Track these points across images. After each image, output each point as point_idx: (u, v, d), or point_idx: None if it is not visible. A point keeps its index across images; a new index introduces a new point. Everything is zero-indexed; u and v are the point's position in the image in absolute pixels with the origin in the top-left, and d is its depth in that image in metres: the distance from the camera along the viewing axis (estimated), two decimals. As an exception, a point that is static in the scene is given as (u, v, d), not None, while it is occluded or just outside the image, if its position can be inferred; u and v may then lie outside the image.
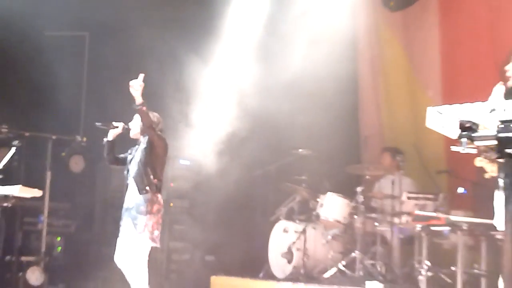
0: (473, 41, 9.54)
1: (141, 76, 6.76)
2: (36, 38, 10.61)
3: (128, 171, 7.14)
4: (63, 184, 10.55)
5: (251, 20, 10.21)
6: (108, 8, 9.92)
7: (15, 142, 8.08)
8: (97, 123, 7.42)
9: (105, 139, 7.39)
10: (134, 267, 6.93)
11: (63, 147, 10.66)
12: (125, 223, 6.98)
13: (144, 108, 6.76)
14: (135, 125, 7.21)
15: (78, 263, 10.75)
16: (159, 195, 6.98)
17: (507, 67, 4.78)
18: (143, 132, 7.11)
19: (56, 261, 10.67)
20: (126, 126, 7.30)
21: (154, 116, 7.14)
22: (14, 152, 7.95)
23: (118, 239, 7.15)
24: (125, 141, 7.52)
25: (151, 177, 6.90)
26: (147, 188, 6.85)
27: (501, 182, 2.72)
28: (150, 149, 6.96)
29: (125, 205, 7.09)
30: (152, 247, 6.95)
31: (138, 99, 6.76)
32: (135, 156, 7.07)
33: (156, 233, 6.89)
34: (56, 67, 10.74)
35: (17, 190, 7.38)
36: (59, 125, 10.59)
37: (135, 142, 7.39)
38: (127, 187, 7.16)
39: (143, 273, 6.91)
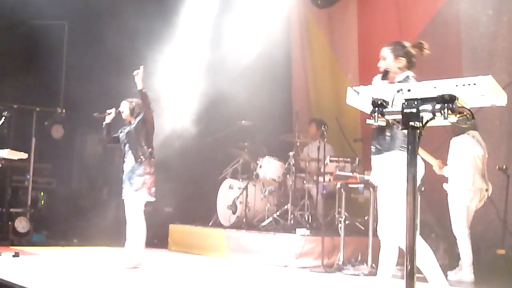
0: (384, 34, 9.62)
1: (142, 67, 6.95)
2: (23, 26, 10.32)
3: (124, 145, 7.11)
4: (46, 148, 10.36)
5: (203, 16, 10.13)
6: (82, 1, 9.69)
7: (5, 113, 7.89)
8: (94, 114, 7.38)
9: (104, 123, 7.32)
10: (134, 220, 6.98)
11: (46, 117, 10.45)
12: (126, 186, 7.01)
13: (145, 90, 6.92)
14: (125, 109, 7.16)
15: (58, 214, 10.60)
16: (152, 160, 7.01)
17: (379, 64, 4.80)
18: (133, 113, 7.13)
19: (40, 212, 10.52)
20: (117, 111, 7.25)
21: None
22: (4, 122, 7.76)
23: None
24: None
25: (145, 147, 6.93)
26: (142, 156, 6.87)
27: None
28: (143, 124, 6.97)
29: (125, 171, 7.06)
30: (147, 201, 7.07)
31: (140, 85, 6.89)
32: (128, 132, 7.03)
33: (153, 189, 6.98)
34: (39, 51, 10.50)
35: (6, 153, 7.24)
36: (42, 99, 10.35)
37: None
38: (124, 158, 7.14)
39: (141, 223, 7.00)
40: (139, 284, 5.67)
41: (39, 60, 10.53)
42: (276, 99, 10.15)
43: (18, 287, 4.97)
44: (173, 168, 10.31)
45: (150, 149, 6.99)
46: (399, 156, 4.39)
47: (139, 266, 6.83)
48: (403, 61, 4.69)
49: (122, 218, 11.18)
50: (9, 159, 7.43)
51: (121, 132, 7.21)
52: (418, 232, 3.93)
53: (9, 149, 7.30)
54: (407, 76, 4.63)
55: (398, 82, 4.55)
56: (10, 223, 9.64)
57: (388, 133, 4.50)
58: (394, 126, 3.78)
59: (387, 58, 4.76)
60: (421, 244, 4.45)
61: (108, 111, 7.27)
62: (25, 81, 10.40)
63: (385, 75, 4.65)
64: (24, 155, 7.57)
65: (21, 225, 9.66)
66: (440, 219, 7.85)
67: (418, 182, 3.56)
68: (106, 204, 11.27)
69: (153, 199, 7.05)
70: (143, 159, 6.86)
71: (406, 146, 3.75)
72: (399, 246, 4.61)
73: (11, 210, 9.91)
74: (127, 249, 6.93)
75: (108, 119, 7.28)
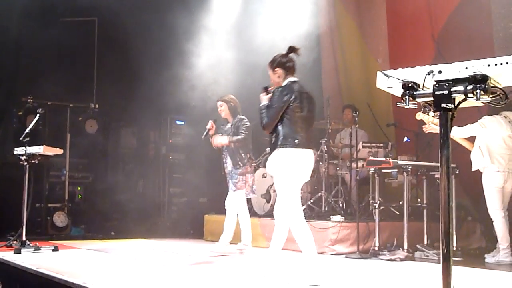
0: (414, 17, 9.51)
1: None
2: (54, 23, 10.45)
3: (223, 147, 7.41)
4: (81, 143, 10.50)
5: (232, 7, 10.15)
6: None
7: (39, 110, 8.01)
8: (202, 137, 7.48)
9: (206, 134, 7.45)
10: (240, 214, 7.48)
11: (79, 113, 10.59)
12: (230, 183, 7.41)
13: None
14: (225, 109, 7.43)
15: (95, 207, 10.75)
16: (252, 162, 7.47)
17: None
18: (233, 113, 7.42)
19: (77, 207, 10.68)
20: (214, 119, 7.48)
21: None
22: (39, 118, 7.87)
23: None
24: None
25: (242, 154, 7.28)
26: (239, 163, 7.24)
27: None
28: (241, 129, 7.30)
29: (227, 169, 7.45)
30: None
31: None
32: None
33: (254, 187, 7.47)
34: (71, 47, 10.62)
35: (42, 149, 7.34)
36: (75, 95, 10.49)
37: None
38: (224, 158, 7.46)
39: (247, 216, 7.49)
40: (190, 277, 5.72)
41: (71, 57, 10.65)
42: (307, 86, 10.10)
43: (58, 280, 5.05)
44: (205, 159, 10.36)
45: (248, 155, 7.34)
46: (280, 153, 5.15)
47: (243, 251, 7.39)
48: (279, 71, 5.40)
49: (156, 210, 11.36)
50: (46, 155, 7.53)
51: (220, 133, 7.44)
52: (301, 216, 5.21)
53: (45, 145, 7.41)
54: (289, 81, 5.35)
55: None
56: (48, 218, 9.82)
57: (273, 137, 5.25)
58: (277, 126, 5.18)
59: (270, 75, 5.49)
60: (301, 223, 5.18)
61: (207, 126, 7.39)
62: (58, 78, 10.54)
63: (265, 90, 5.47)
64: (59, 151, 7.68)
65: (60, 219, 9.83)
66: (476, 201, 7.76)
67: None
68: (141, 196, 11.41)
69: (255, 195, 7.74)
70: (241, 165, 7.21)
71: (285, 144, 5.10)
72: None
73: (49, 205, 10.09)
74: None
75: (211, 132, 7.41)
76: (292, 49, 5.46)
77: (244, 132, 7.27)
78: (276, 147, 5.17)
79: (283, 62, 5.41)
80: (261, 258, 5.56)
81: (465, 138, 6.93)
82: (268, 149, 9.70)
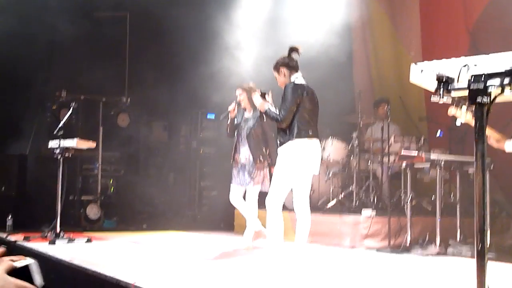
0: (448, 8, 9.38)
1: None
2: (86, 18, 10.56)
3: (242, 138, 7.27)
4: (113, 137, 10.62)
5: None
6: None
7: (73, 104, 8.10)
8: (221, 117, 7.46)
9: (228, 121, 7.32)
10: (253, 207, 7.37)
11: (112, 107, 10.69)
12: (245, 176, 7.21)
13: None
14: (244, 98, 7.24)
15: (127, 200, 10.85)
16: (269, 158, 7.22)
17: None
18: (252, 104, 7.13)
19: (110, 199, 10.79)
20: (237, 102, 7.28)
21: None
22: (72, 112, 7.97)
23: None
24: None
25: (263, 149, 7.18)
26: (261, 158, 7.12)
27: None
28: (262, 120, 7.15)
29: (241, 161, 7.26)
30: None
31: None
32: (250, 130, 7.19)
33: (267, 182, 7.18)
34: (103, 42, 10.71)
35: (75, 143, 7.43)
36: (107, 89, 10.59)
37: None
38: (239, 147, 7.29)
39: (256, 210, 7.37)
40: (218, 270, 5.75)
41: (103, 51, 10.74)
42: (338, 80, 10.04)
43: (91, 272, 5.12)
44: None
45: (268, 150, 7.21)
46: (296, 143, 5.49)
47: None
48: (284, 70, 5.80)
49: (187, 203, 11.43)
50: (79, 148, 7.63)
51: (239, 123, 7.31)
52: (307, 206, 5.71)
53: (78, 139, 7.50)
54: (295, 77, 5.75)
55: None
56: (82, 210, 9.95)
57: (286, 130, 5.56)
58: (295, 120, 5.47)
59: (276, 77, 5.88)
60: (278, 214, 5.68)
61: (230, 107, 7.23)
62: (91, 72, 10.65)
63: (263, 96, 5.95)
64: (92, 144, 7.77)
65: (93, 212, 9.95)
66: (511, 197, 7.63)
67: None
68: (172, 189, 11.49)
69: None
70: (262, 160, 7.12)
71: (300, 135, 5.43)
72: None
73: (83, 197, 10.22)
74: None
75: (232, 115, 7.27)
76: (292, 49, 5.90)
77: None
78: (291, 138, 5.50)
79: (286, 62, 5.82)
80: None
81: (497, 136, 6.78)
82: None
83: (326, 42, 9.25)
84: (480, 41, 8.54)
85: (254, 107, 7.13)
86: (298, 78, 5.78)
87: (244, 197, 7.36)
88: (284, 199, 5.71)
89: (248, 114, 7.32)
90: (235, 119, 7.30)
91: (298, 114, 5.57)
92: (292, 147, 5.50)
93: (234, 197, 7.33)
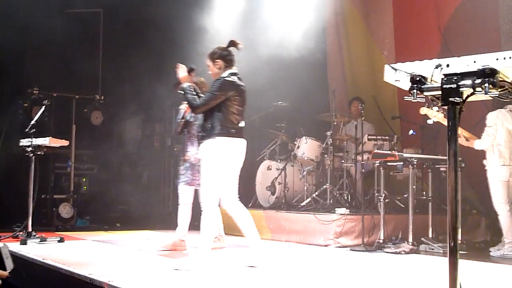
0: (420, 9, 9.48)
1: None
2: (59, 14, 10.46)
3: (192, 135, 6.87)
4: (86, 135, 10.55)
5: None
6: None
7: (45, 101, 8.01)
8: (177, 118, 7.00)
9: (179, 118, 6.93)
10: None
11: (85, 104, 10.61)
12: (193, 174, 6.83)
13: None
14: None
15: (101, 199, 10.78)
16: None
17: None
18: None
19: (83, 198, 10.72)
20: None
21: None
22: (44, 110, 7.88)
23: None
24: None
25: None
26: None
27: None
28: None
29: (191, 158, 6.85)
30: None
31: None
32: (197, 127, 6.67)
33: None
34: (76, 39, 10.60)
35: (48, 141, 7.35)
36: (81, 86, 10.50)
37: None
38: (188, 144, 6.93)
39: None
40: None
41: (76, 48, 10.65)
42: (312, 79, 10.09)
43: (64, 271, 5.08)
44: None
45: None
46: (217, 141, 5.33)
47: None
48: (220, 63, 5.59)
49: (161, 201, 11.38)
50: (51, 146, 7.55)
51: (194, 120, 6.82)
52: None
53: (50, 137, 7.42)
54: (230, 73, 5.52)
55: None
56: (54, 209, 9.86)
57: (208, 124, 5.43)
58: (214, 115, 5.34)
59: (210, 66, 5.67)
60: (241, 209, 5.56)
61: (182, 106, 6.84)
62: (64, 70, 10.55)
63: (190, 70, 5.78)
64: (65, 143, 7.69)
65: (65, 210, 9.86)
66: (481, 195, 7.75)
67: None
68: (146, 188, 11.43)
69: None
70: None
71: (222, 133, 5.28)
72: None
73: (55, 196, 10.13)
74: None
75: (182, 114, 6.89)
76: (232, 43, 5.69)
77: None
78: (212, 135, 5.37)
79: (224, 55, 5.63)
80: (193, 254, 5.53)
81: (467, 135, 6.89)
82: (275, 141, 9.83)
83: (301, 42, 9.31)
84: (451, 41, 8.64)
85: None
86: (232, 74, 5.56)
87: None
88: (218, 198, 5.45)
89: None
90: (188, 116, 6.89)
91: (223, 111, 5.39)
92: (215, 145, 5.36)
93: (183, 198, 6.92)
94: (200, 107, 5.43)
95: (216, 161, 5.36)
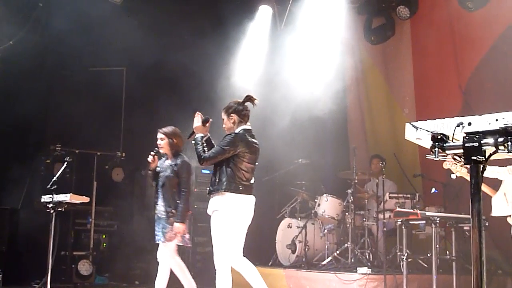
0: (441, 68, 9.55)
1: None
2: (83, 72, 10.69)
3: (160, 186, 6.64)
4: (107, 191, 10.58)
5: (257, 56, 10.32)
6: (140, 48, 9.98)
7: (67, 158, 8.08)
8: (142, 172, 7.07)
9: (149, 170, 6.79)
10: (172, 265, 6.86)
11: (106, 161, 10.69)
12: (159, 230, 6.64)
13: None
14: (164, 144, 6.64)
15: (120, 255, 10.73)
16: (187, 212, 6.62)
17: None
18: (172, 149, 6.62)
19: (102, 255, 10.66)
20: (154, 152, 6.67)
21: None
22: (66, 166, 7.95)
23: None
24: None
25: (177, 202, 6.48)
26: (173, 211, 6.46)
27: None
28: (182, 171, 6.52)
29: (157, 214, 6.69)
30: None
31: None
32: (167, 178, 6.52)
33: (187, 236, 6.67)
34: (99, 96, 10.79)
35: (69, 197, 7.39)
36: (102, 143, 10.61)
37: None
38: (157, 198, 6.73)
39: (181, 264, 6.87)
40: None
41: (99, 105, 10.82)
42: (332, 137, 10.13)
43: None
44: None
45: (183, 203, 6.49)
46: (225, 197, 5.38)
47: None
48: (234, 117, 5.62)
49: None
50: (72, 203, 7.58)
51: (160, 171, 6.66)
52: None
53: (71, 194, 7.46)
54: (242, 129, 5.57)
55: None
56: (73, 266, 9.81)
57: (216, 178, 5.45)
58: (222, 170, 5.36)
59: (224, 120, 5.69)
60: (248, 264, 5.59)
61: (149, 158, 6.63)
62: (86, 127, 10.70)
63: (204, 121, 5.76)
64: (86, 199, 7.73)
65: (84, 267, 9.81)
66: (506, 254, 7.61)
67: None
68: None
69: (189, 245, 6.85)
70: (175, 213, 6.43)
71: (230, 188, 5.31)
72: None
73: (74, 253, 10.10)
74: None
75: (152, 166, 6.69)
76: (249, 98, 5.71)
77: (184, 191, 6.48)
78: (220, 190, 5.40)
79: (240, 109, 5.68)
80: None
81: (488, 185, 6.81)
82: (296, 198, 9.78)
83: (321, 99, 9.38)
84: (472, 99, 8.67)
85: (176, 154, 6.58)
86: (245, 130, 5.58)
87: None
88: (230, 255, 5.46)
89: (167, 161, 6.65)
90: (157, 168, 6.67)
91: (231, 166, 5.40)
92: (223, 201, 5.40)
93: (159, 256, 6.70)
94: (208, 160, 5.45)
95: (225, 218, 5.38)
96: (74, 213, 10.21)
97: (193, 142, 5.66)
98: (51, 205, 7.46)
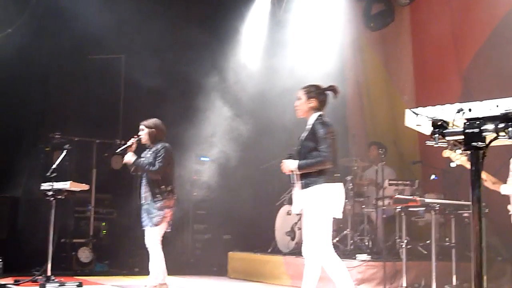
0: (440, 54, 9.50)
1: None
2: (82, 60, 10.65)
3: (142, 176, 6.79)
4: (106, 179, 10.58)
5: (255, 43, 10.29)
6: (139, 34, 9.94)
7: (66, 146, 8.09)
8: (118, 150, 6.95)
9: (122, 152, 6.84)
10: (153, 251, 6.68)
11: (105, 149, 10.67)
12: (144, 217, 6.65)
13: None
14: (145, 134, 6.81)
15: (120, 243, 10.76)
16: (172, 197, 6.71)
17: (295, 103, 5.54)
18: (153, 139, 6.79)
19: (102, 242, 10.69)
20: (136, 138, 6.81)
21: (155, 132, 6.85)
22: (65, 154, 7.95)
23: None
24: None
25: (163, 187, 6.62)
26: (158, 196, 6.58)
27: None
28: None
29: (143, 201, 6.71)
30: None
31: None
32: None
33: (171, 222, 6.77)
34: (98, 84, 10.76)
35: (68, 185, 7.39)
36: (101, 131, 10.59)
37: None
38: (141, 186, 6.79)
39: (160, 253, 6.67)
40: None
41: (98, 93, 10.79)
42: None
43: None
44: (229, 196, 10.36)
45: (169, 187, 6.69)
46: (323, 188, 5.09)
47: None
48: (313, 102, 5.35)
49: (181, 247, 11.31)
50: (72, 190, 7.59)
51: (142, 158, 6.78)
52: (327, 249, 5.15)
53: (71, 181, 7.47)
54: (320, 115, 5.33)
55: (308, 124, 5.39)
56: (73, 253, 9.84)
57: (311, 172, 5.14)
58: None
59: (301, 98, 5.43)
60: (334, 260, 5.19)
61: (128, 142, 6.79)
62: (85, 114, 10.68)
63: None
64: (85, 187, 7.73)
65: (84, 255, 9.83)
66: (506, 241, 7.60)
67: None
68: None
69: (169, 230, 6.83)
70: (160, 198, 6.57)
71: (327, 179, 5.04)
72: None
73: (74, 240, 10.12)
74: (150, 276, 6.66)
75: (129, 149, 6.79)
76: (333, 88, 5.48)
77: (160, 162, 6.59)
78: (317, 181, 5.11)
79: (321, 98, 5.44)
80: None
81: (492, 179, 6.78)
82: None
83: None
84: (472, 86, 8.63)
85: (155, 143, 6.74)
86: (321, 116, 5.37)
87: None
88: (328, 244, 5.20)
89: (148, 152, 6.79)
90: (141, 158, 6.75)
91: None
92: (322, 191, 5.10)
93: (147, 242, 6.66)
94: (332, 160, 5.16)
95: (321, 209, 5.12)
96: (74, 200, 10.22)
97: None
98: (51, 192, 7.47)
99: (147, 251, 6.63)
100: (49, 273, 7.36)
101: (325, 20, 10.03)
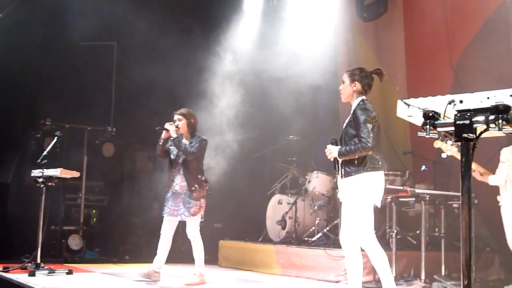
0: (432, 45, 9.50)
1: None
2: (73, 47, 10.59)
3: (178, 165, 6.87)
4: (97, 166, 10.57)
5: (248, 34, 10.28)
6: (131, 21, 9.89)
7: (57, 133, 8.06)
8: (156, 128, 7.03)
9: (160, 139, 6.94)
10: (197, 240, 6.90)
11: (97, 136, 10.66)
12: (180, 207, 6.77)
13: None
14: (183, 125, 6.88)
15: (110, 231, 10.77)
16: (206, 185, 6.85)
17: (340, 87, 5.43)
18: (191, 130, 6.91)
19: (92, 229, 10.69)
20: (176, 124, 6.88)
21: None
22: (56, 141, 7.93)
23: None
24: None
25: (199, 176, 6.79)
26: (196, 185, 6.71)
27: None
28: (199, 150, 6.78)
29: (176, 191, 6.82)
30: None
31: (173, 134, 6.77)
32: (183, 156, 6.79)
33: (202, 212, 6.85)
34: (90, 71, 10.72)
35: (59, 172, 7.37)
36: (93, 118, 10.57)
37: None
38: (174, 176, 6.88)
39: (201, 242, 6.90)
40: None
41: (89, 80, 10.76)
42: (324, 113, 10.12)
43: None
44: (222, 185, 10.36)
45: (203, 177, 6.83)
46: (366, 177, 4.99)
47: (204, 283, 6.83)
48: (358, 85, 5.21)
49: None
50: (62, 178, 7.57)
51: (171, 145, 6.90)
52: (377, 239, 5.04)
53: (61, 168, 7.45)
54: (362, 100, 5.18)
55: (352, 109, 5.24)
56: (63, 240, 9.83)
57: (354, 160, 5.02)
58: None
59: (345, 82, 5.30)
60: (377, 248, 5.07)
61: (166, 125, 6.86)
62: (77, 101, 10.65)
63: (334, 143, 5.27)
64: (76, 174, 7.72)
65: (74, 242, 9.83)
66: (495, 232, 7.65)
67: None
68: (156, 221, 11.39)
69: (202, 220, 6.93)
70: (198, 188, 6.70)
71: (373, 167, 4.96)
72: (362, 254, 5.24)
73: (64, 227, 10.12)
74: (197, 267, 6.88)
75: (165, 135, 6.88)
76: (379, 72, 5.33)
77: (196, 148, 6.71)
78: (358, 170, 5.02)
79: (366, 81, 5.28)
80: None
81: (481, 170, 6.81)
82: (286, 175, 9.80)
83: (313, 75, 9.35)
84: (464, 77, 8.64)
85: (193, 134, 6.86)
86: (364, 101, 5.23)
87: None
88: (371, 233, 5.12)
89: (184, 141, 6.84)
90: (169, 142, 6.88)
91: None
92: (363, 180, 5.02)
93: (163, 229, 6.92)
94: (372, 146, 5.00)
95: (365, 197, 5.04)
96: (64, 187, 10.20)
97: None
98: (41, 179, 7.46)
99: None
100: (38, 260, 7.35)
101: (318, 11, 10.01)
